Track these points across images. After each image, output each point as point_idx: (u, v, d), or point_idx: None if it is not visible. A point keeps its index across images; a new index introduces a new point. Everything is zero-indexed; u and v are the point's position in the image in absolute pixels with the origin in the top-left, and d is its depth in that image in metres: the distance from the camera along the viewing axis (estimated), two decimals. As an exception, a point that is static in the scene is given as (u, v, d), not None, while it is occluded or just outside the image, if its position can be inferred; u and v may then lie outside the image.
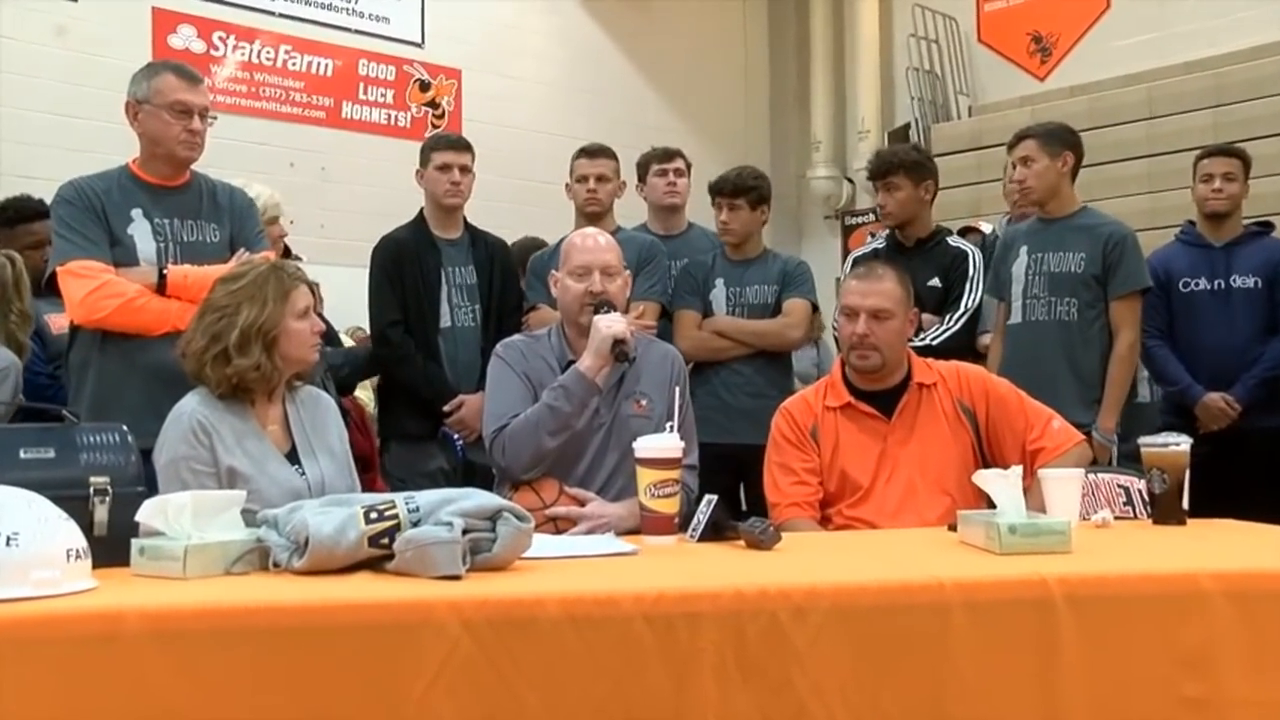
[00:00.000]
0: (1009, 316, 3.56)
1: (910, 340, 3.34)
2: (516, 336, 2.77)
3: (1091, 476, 2.47)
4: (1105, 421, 3.31)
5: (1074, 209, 3.55)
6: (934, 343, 3.49)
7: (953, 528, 2.09)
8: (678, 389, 2.48)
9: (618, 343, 2.49)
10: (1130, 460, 2.87)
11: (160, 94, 2.80)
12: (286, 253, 3.59)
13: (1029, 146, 3.53)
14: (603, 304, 2.55)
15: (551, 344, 2.65)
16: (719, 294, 3.71)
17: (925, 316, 3.53)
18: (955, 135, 7.35)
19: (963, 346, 3.56)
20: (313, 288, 2.40)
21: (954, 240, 3.78)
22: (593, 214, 3.69)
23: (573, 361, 2.55)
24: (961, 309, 3.60)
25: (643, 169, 4.04)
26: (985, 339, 3.67)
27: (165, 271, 2.74)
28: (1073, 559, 1.79)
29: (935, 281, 3.62)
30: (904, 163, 3.74)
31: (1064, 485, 2.17)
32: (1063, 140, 3.53)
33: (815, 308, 3.76)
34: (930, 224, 3.77)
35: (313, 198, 6.13)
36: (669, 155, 4.01)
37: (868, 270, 2.65)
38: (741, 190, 3.69)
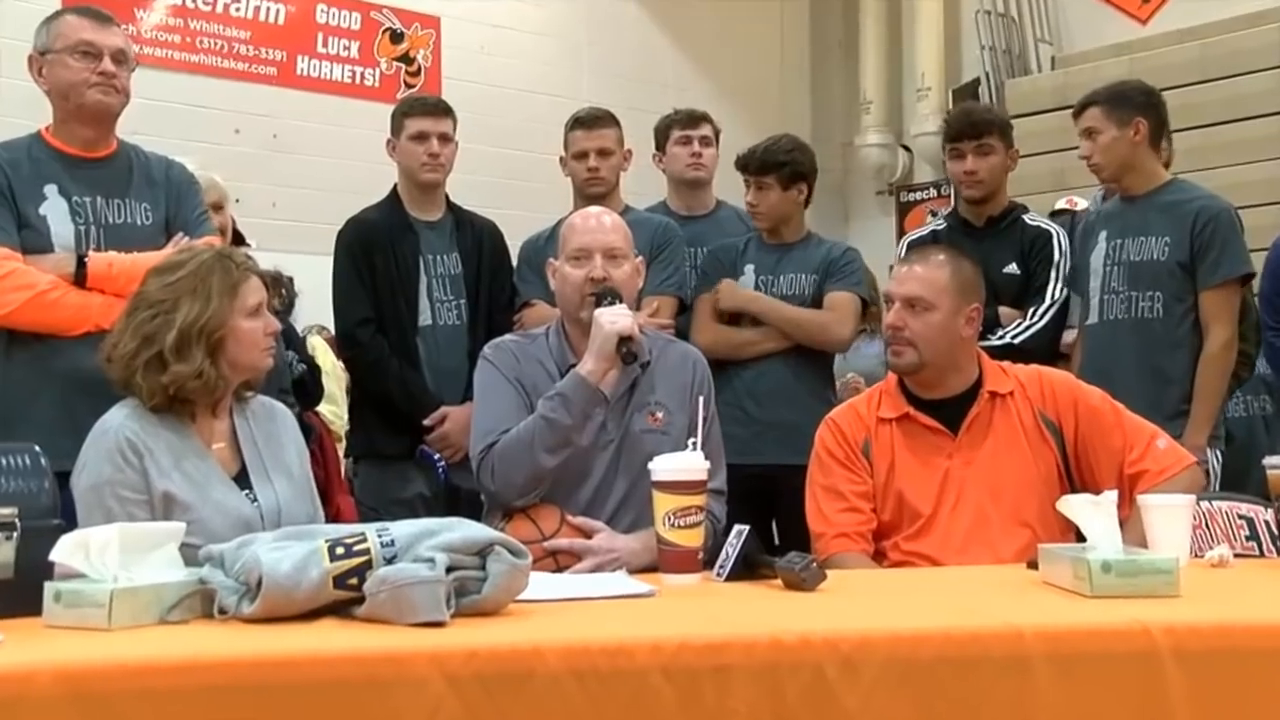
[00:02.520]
0: (1087, 316, 3.54)
1: (986, 339, 3.35)
2: (508, 336, 2.78)
3: (1205, 505, 2.46)
4: (1195, 437, 3.28)
5: (1157, 184, 3.52)
6: (1016, 340, 3.48)
7: (1033, 565, 2.08)
8: (701, 398, 2.48)
9: (623, 340, 2.48)
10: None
11: (62, 37, 2.82)
12: (237, 240, 3.60)
13: (1093, 116, 3.51)
14: (605, 294, 2.55)
15: (549, 345, 2.65)
16: (747, 282, 3.71)
17: (1004, 310, 3.52)
18: (1035, 92, 7.34)
19: (1051, 346, 3.55)
20: (266, 281, 2.40)
21: (1032, 218, 3.77)
22: (595, 195, 3.69)
23: (575, 366, 2.55)
24: (1047, 300, 3.57)
25: (662, 135, 4.03)
26: (1070, 336, 3.65)
27: (85, 259, 2.75)
28: (1181, 604, 1.78)
29: (1013, 268, 3.61)
30: (1000, 122, 3.76)
31: (1171, 515, 2.16)
32: (1133, 104, 3.50)
33: (866, 303, 3.74)
34: (1006, 198, 3.77)
35: (262, 171, 6.16)
36: (693, 120, 4.01)
37: (918, 254, 2.67)
38: (770, 166, 3.68)
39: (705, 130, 4.00)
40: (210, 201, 3.36)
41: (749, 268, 3.72)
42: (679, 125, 3.99)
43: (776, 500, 3.35)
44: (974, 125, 3.71)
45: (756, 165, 3.68)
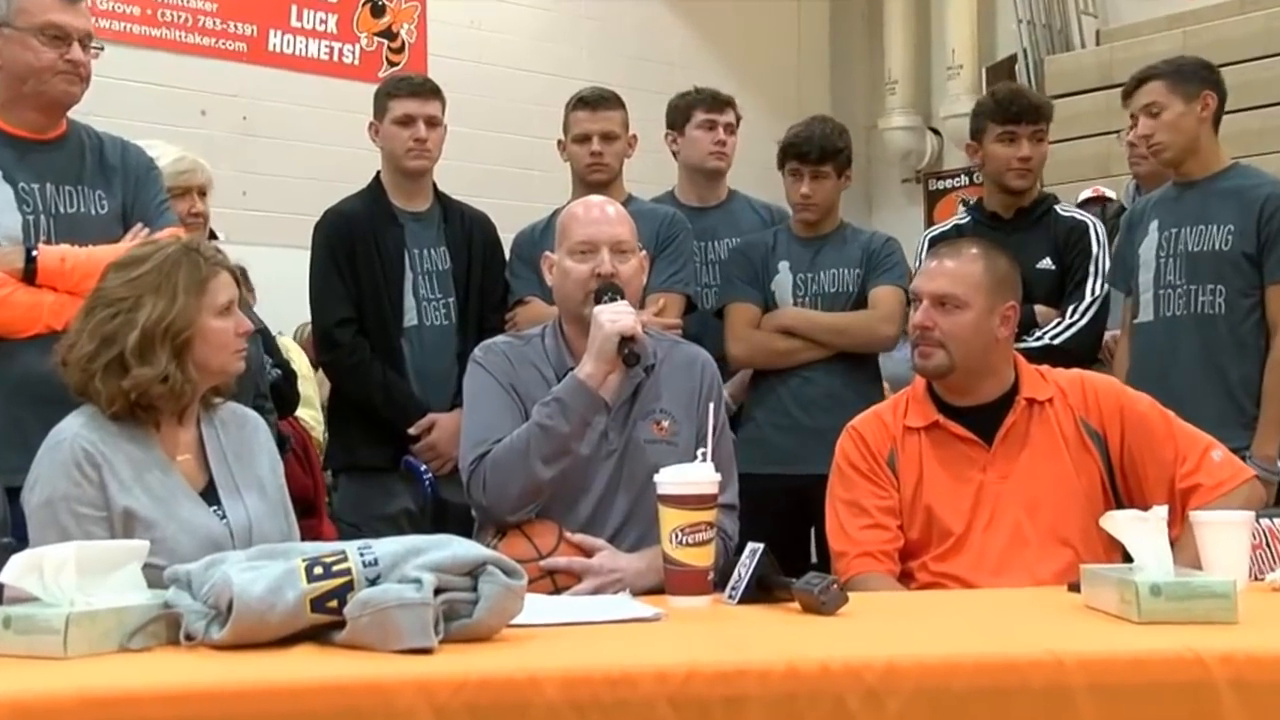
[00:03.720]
0: (1137, 313, 3.53)
1: (1023, 341, 3.34)
2: (500, 337, 2.78)
3: (1265, 522, 2.46)
4: (1264, 446, 3.27)
5: (1219, 167, 3.51)
6: (1056, 341, 3.48)
7: (1075, 588, 2.08)
8: (711, 405, 2.48)
9: (625, 341, 2.49)
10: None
11: (26, 13, 2.78)
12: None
13: (1155, 90, 3.50)
14: (605, 291, 2.55)
15: (545, 347, 2.66)
16: (784, 281, 3.72)
17: (1040, 309, 3.53)
18: (1078, 70, 7.33)
19: (1093, 346, 3.55)
20: (237, 276, 2.41)
21: (1065, 209, 3.76)
22: (597, 183, 3.70)
23: (574, 369, 2.55)
24: (1087, 297, 3.57)
25: (680, 116, 4.01)
26: (1107, 337, 3.65)
27: (35, 253, 2.74)
28: (1239, 631, 1.78)
29: (1047, 263, 3.61)
30: (1044, 104, 3.76)
31: (1228, 534, 2.15)
32: (1200, 78, 3.49)
33: (910, 297, 3.75)
34: (1038, 188, 3.78)
35: (231, 157, 6.15)
36: (719, 104, 3.99)
37: (949, 248, 2.67)
38: (829, 154, 3.67)
39: (729, 116, 3.99)
40: (195, 184, 3.37)
41: (783, 265, 3.72)
42: (703, 107, 3.97)
43: (821, 513, 3.36)
44: (1035, 108, 3.69)
45: (817, 153, 3.66)
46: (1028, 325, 3.46)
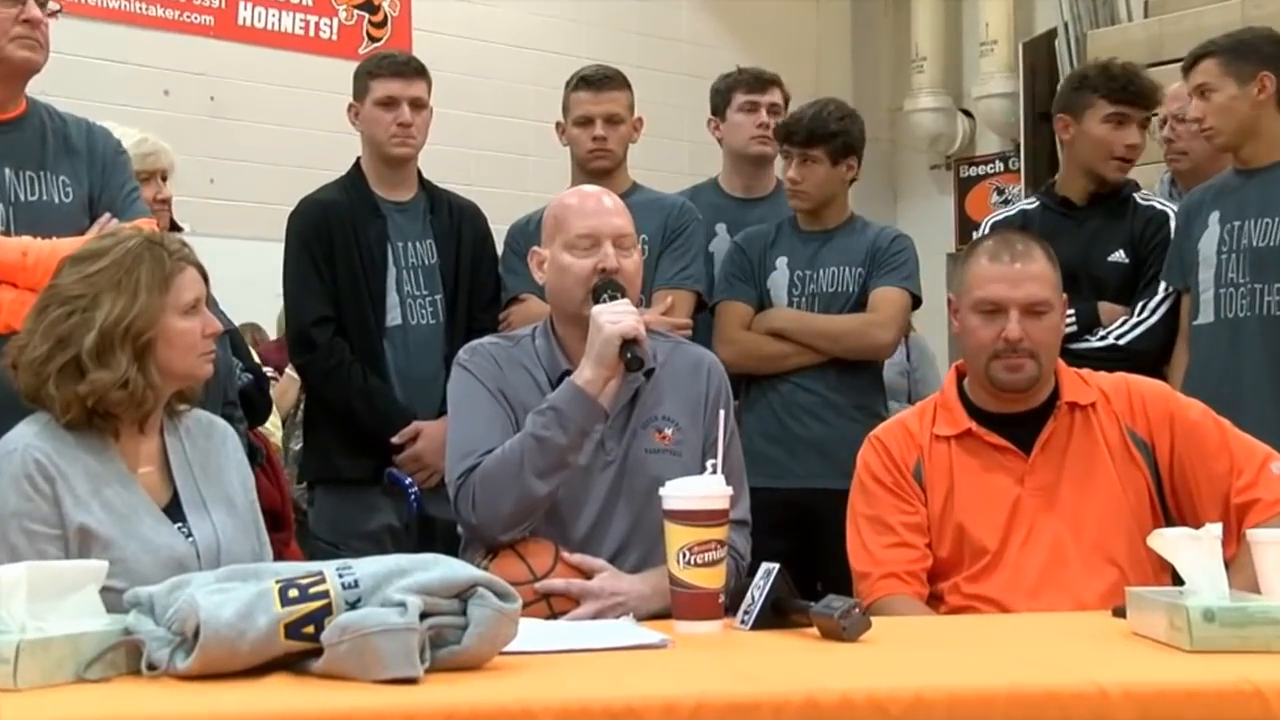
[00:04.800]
0: (1196, 314, 3.52)
1: (1084, 340, 3.35)
2: (487, 338, 2.77)
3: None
4: None
5: None
6: (1122, 341, 3.46)
7: (1120, 612, 2.08)
8: (722, 413, 2.48)
9: (627, 343, 2.48)
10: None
11: None
12: (169, 225, 3.61)
13: (1207, 69, 3.48)
14: (605, 288, 2.55)
15: (536, 348, 2.65)
16: (780, 278, 3.73)
17: (1105, 306, 3.50)
18: (1125, 45, 7.29)
19: (1164, 349, 3.49)
20: (204, 273, 2.41)
21: (1145, 197, 3.72)
22: (599, 170, 3.71)
23: (568, 373, 2.55)
24: (1160, 293, 3.54)
25: (720, 100, 4.06)
26: None
27: (-11, 245, 2.75)
28: (1301, 661, 1.78)
29: (1120, 255, 3.58)
30: (1159, 91, 3.72)
31: (1288, 554, 2.15)
32: (1259, 55, 3.47)
33: (916, 300, 3.75)
34: None
35: (198, 140, 6.17)
36: (761, 83, 4.02)
37: (1004, 246, 2.63)
38: (819, 136, 3.67)
39: (774, 96, 4.01)
40: (159, 169, 3.37)
41: (781, 261, 3.73)
42: (743, 88, 4.01)
43: (817, 531, 3.36)
44: (1153, 93, 3.64)
45: (803, 135, 3.68)
46: (1090, 324, 3.45)
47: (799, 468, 3.52)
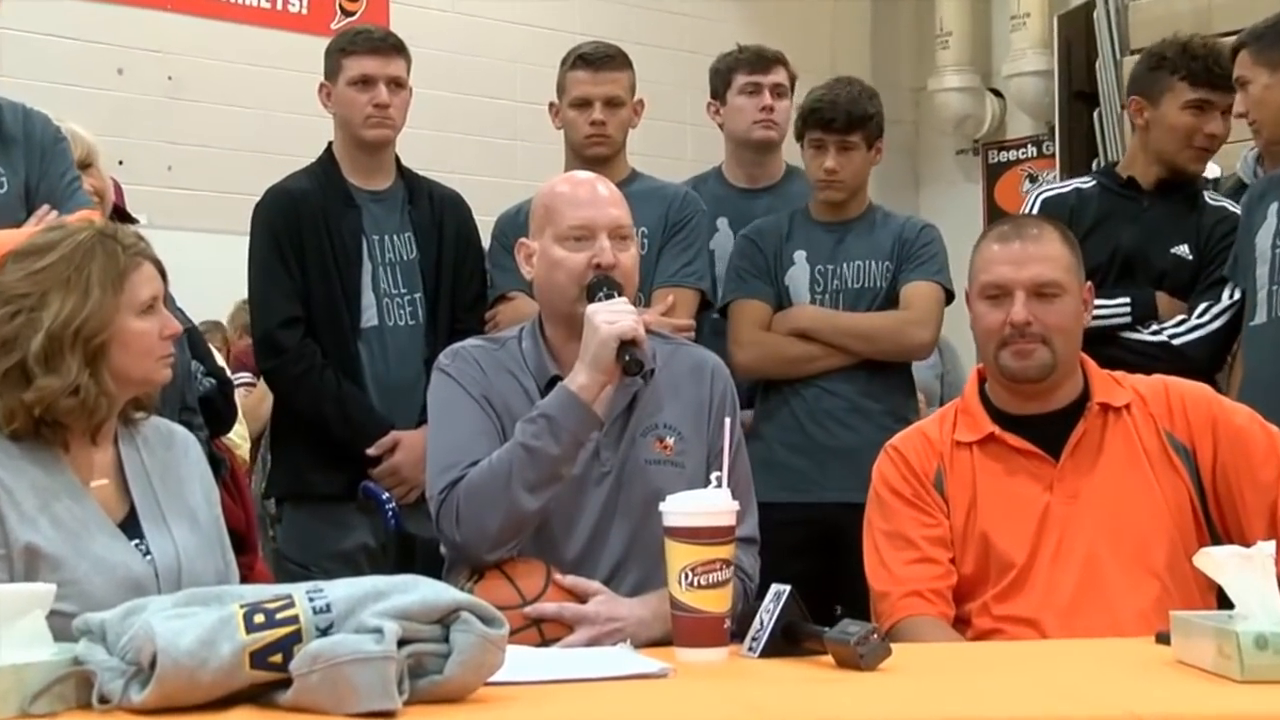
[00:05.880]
0: (1251, 315, 3.52)
1: (1135, 331, 3.35)
2: (469, 341, 2.77)
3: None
4: None
5: None
6: (1176, 342, 3.46)
7: (1164, 638, 2.08)
8: (728, 420, 2.48)
9: (625, 346, 2.48)
10: None
11: None
12: (123, 217, 3.61)
13: (1241, 61, 3.45)
14: (600, 285, 2.55)
15: (522, 351, 2.65)
16: (799, 273, 3.73)
17: (1163, 298, 3.50)
18: (1170, 18, 7.27)
19: (1219, 358, 3.49)
20: (162, 269, 2.41)
21: (1214, 197, 3.71)
22: (597, 157, 3.71)
23: (559, 378, 2.55)
24: (1224, 299, 3.49)
25: (721, 81, 4.05)
26: None
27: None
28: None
29: (1184, 250, 3.57)
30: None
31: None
32: None
33: (950, 295, 3.76)
34: None
35: (153, 124, 6.18)
36: (764, 62, 4.01)
37: (1014, 228, 2.66)
38: (858, 120, 3.66)
39: (779, 76, 4.01)
40: (74, 160, 3.35)
41: (799, 254, 3.73)
42: (744, 69, 4.00)
43: (844, 549, 3.36)
44: (1232, 78, 3.53)
45: (844, 121, 3.64)
46: (1145, 315, 3.46)
47: (826, 480, 3.51)
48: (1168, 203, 3.64)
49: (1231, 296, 3.51)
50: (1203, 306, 3.52)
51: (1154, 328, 3.46)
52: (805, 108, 3.73)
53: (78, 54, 6.04)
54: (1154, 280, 3.49)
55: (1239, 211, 3.63)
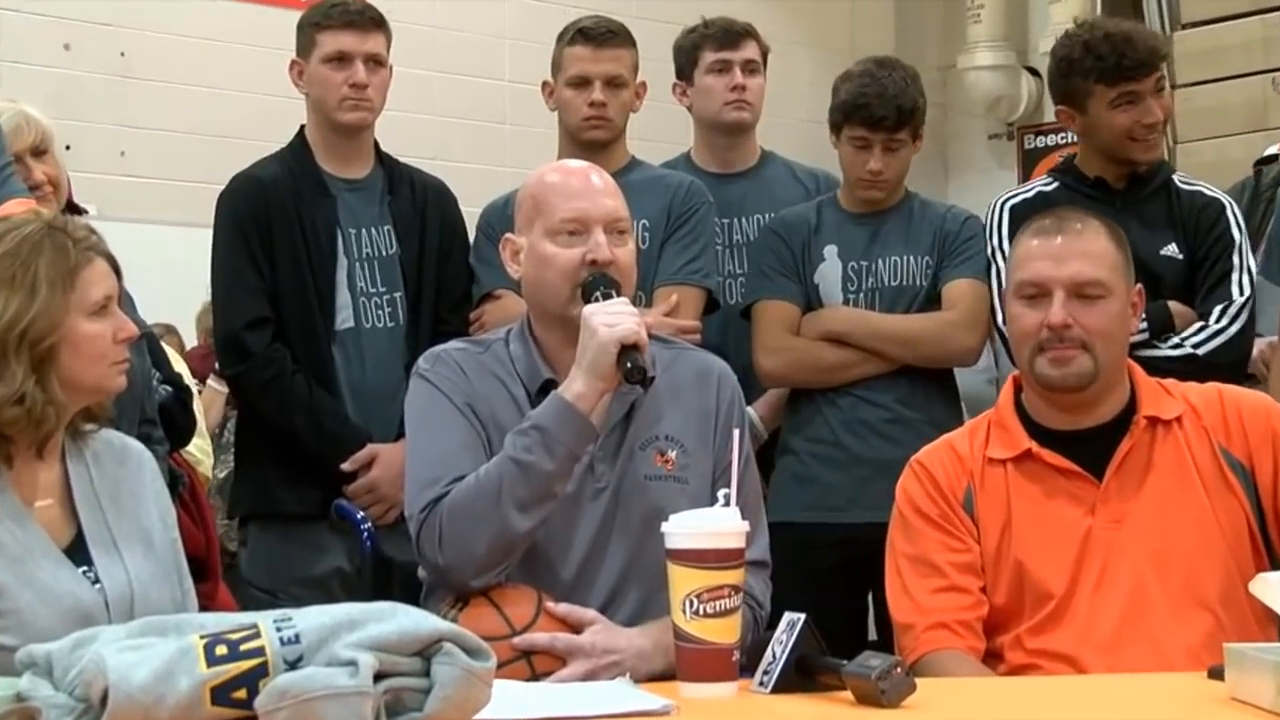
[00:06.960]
0: None
1: (1156, 346, 3.35)
2: (451, 344, 2.77)
3: None
4: None
5: None
6: (1201, 351, 3.47)
7: (1217, 673, 2.07)
8: (736, 432, 2.48)
9: (626, 350, 2.48)
10: None
11: None
12: (71, 207, 3.61)
13: None
14: (596, 284, 2.55)
15: (510, 355, 2.66)
16: (831, 270, 3.73)
17: (1177, 308, 3.51)
18: (1226, -11, 7.32)
19: (1244, 361, 3.52)
20: (116, 265, 2.42)
21: (1185, 180, 3.73)
22: (595, 142, 3.72)
23: (551, 384, 2.55)
24: (1236, 298, 3.52)
25: (687, 59, 4.04)
26: (1260, 345, 3.64)
27: None
28: None
29: (1171, 249, 3.60)
30: (1157, 43, 3.69)
31: None
32: None
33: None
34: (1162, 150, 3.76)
35: (106, 105, 6.17)
36: (732, 36, 4.01)
37: (1056, 222, 2.65)
38: (908, 115, 3.64)
39: (749, 51, 4.00)
40: (26, 145, 3.35)
41: (830, 250, 3.73)
42: (711, 44, 3.99)
43: (881, 575, 3.36)
44: (1151, 52, 3.61)
45: (895, 119, 3.63)
46: (1163, 328, 3.47)
47: (865, 498, 3.48)
48: (1143, 199, 3.65)
49: (1243, 293, 3.53)
50: (1218, 310, 3.54)
51: (1173, 340, 3.47)
52: (848, 100, 3.68)
53: (20, 28, 6.02)
54: (1149, 285, 3.49)
55: (1222, 197, 3.67)
